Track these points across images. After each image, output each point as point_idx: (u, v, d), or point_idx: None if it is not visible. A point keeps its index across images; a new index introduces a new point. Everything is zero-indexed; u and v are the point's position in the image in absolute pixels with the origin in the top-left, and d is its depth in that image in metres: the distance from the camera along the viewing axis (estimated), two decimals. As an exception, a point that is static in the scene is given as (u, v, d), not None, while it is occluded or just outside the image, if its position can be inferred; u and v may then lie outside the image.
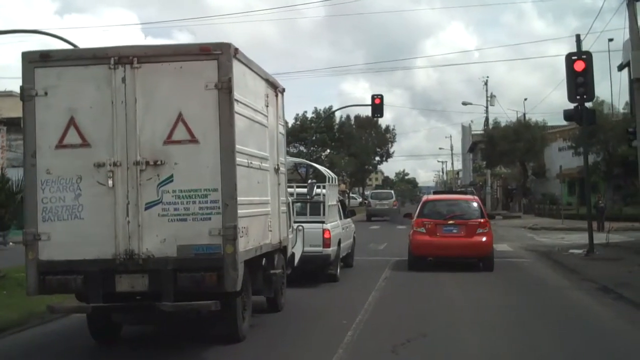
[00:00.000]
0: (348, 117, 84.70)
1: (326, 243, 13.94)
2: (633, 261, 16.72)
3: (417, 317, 10.36)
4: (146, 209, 7.77)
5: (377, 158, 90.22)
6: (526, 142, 47.63)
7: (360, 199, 75.18)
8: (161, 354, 8.64)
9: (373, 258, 19.58)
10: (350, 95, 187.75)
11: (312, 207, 14.54)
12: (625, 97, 35.56)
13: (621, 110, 37.61)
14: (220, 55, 7.82)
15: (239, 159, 7.98)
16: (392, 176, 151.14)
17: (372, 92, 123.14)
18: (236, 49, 8.04)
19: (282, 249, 10.51)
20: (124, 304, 8.12)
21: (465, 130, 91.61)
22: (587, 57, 18.09)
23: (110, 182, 7.80)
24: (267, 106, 9.56)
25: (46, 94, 7.92)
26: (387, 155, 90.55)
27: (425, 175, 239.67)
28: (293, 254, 11.88)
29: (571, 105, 18.42)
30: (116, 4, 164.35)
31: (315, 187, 14.18)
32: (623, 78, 30.25)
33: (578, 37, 19.44)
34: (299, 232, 12.58)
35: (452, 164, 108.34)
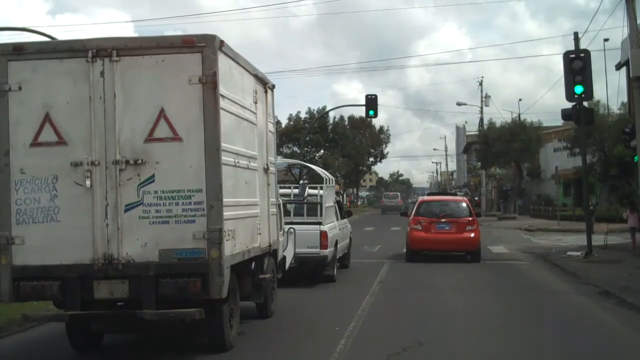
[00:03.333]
0: (342, 117, 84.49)
1: (323, 244, 13.82)
2: (632, 264, 16.43)
3: (413, 324, 9.98)
4: (126, 210, 7.36)
5: (371, 159, 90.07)
6: (521, 143, 47.39)
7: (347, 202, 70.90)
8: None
9: (367, 260, 19.22)
10: (344, 96, 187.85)
11: (309, 208, 14.39)
12: (621, 98, 35.38)
13: (617, 111, 37.40)
14: (204, 47, 7.37)
15: (225, 158, 7.56)
16: (386, 177, 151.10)
17: (365, 92, 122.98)
18: (222, 41, 7.57)
19: (272, 253, 10.10)
20: (102, 312, 7.69)
21: (460, 131, 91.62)
22: (585, 55, 17.76)
23: (88, 182, 7.38)
24: (256, 103, 9.11)
25: (20, 88, 7.49)
26: (381, 156, 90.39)
27: (419, 176, 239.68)
28: (284, 258, 11.47)
29: (568, 105, 18.12)
30: (108, 4, 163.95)
31: (307, 188, 13.90)
32: (619, 78, 30.02)
33: (576, 35, 19.15)
34: (290, 235, 12.19)
35: (447, 164, 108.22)
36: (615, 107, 38.25)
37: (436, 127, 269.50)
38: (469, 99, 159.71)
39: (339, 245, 15.16)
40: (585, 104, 18.40)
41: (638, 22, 18.23)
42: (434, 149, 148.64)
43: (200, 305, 7.36)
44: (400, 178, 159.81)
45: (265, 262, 9.73)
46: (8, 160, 7.46)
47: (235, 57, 8.19)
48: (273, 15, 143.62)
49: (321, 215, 14.18)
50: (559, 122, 41.51)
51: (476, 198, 60.39)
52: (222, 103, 7.52)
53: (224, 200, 7.41)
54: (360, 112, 52.45)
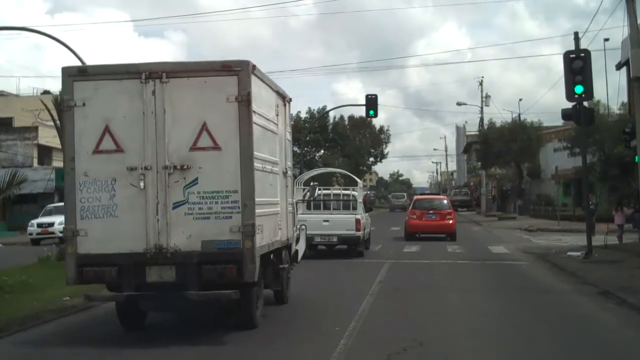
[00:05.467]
0: (342, 117, 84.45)
1: (357, 228, 19.54)
2: (633, 264, 16.39)
3: (413, 324, 9.95)
4: (174, 208, 8.64)
5: (371, 159, 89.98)
6: (521, 143, 47.32)
7: None
8: (183, 339, 9.04)
9: (368, 260, 19.21)
10: (344, 96, 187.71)
11: (347, 203, 20.43)
12: (622, 98, 35.32)
13: (617, 111, 37.34)
14: (240, 71, 8.68)
15: (256, 164, 8.83)
16: (386, 177, 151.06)
17: (365, 92, 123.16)
18: (254, 66, 8.86)
19: (287, 246, 11.36)
20: (153, 293, 8.80)
21: (460, 131, 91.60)
22: (585, 55, 17.72)
23: (141, 184, 8.66)
24: (277, 115, 10.35)
25: (84, 104, 8.76)
26: (382, 156, 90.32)
27: (420, 176, 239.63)
28: (297, 251, 12.64)
29: (569, 105, 18.08)
30: (108, 4, 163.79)
31: (316, 189, 17.07)
32: (620, 78, 29.97)
33: (576, 34, 19.18)
34: (301, 231, 13.37)
35: (447, 165, 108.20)
36: (615, 107, 38.23)
37: (436, 127, 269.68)
38: (469, 98, 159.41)
39: (365, 230, 20.65)
40: (585, 103, 18.35)
41: (638, 22, 18.21)
42: (434, 149, 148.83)
43: (235, 288, 8.58)
44: (400, 178, 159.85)
45: (283, 254, 11.01)
46: (73, 165, 8.77)
47: (263, 78, 9.50)
48: (272, 15, 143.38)
49: (355, 208, 20.20)
50: (559, 122, 41.51)
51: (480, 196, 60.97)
52: (254, 118, 8.79)
53: (256, 199, 8.69)
54: (361, 112, 52.68)
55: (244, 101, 8.63)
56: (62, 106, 8.88)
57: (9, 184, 15.86)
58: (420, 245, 24.07)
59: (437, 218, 27.26)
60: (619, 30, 45.80)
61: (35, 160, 46.96)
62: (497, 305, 11.80)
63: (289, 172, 11.30)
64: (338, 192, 21.69)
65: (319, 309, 11.50)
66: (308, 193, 16.49)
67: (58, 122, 18.19)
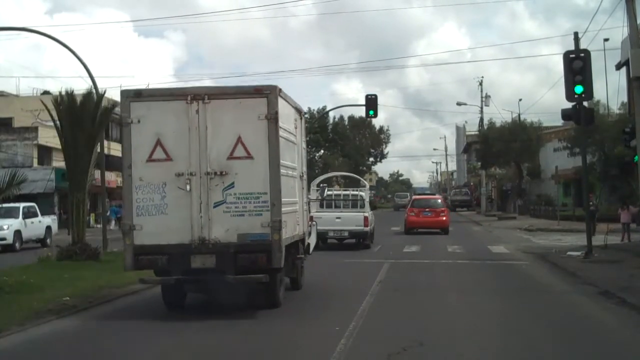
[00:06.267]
0: (342, 117, 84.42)
1: (365, 223, 22.88)
2: (633, 264, 16.39)
3: (413, 324, 9.94)
4: (214, 207, 10.27)
5: (371, 159, 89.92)
6: (521, 143, 47.28)
7: None
8: (219, 315, 10.48)
9: (367, 260, 19.21)
10: (344, 96, 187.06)
11: (355, 202, 23.56)
12: (622, 98, 35.31)
13: (617, 111, 37.34)
14: (269, 94, 10.30)
15: (281, 170, 10.42)
16: (386, 177, 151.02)
17: (365, 92, 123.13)
18: (280, 89, 10.53)
19: (302, 240, 12.89)
20: (198, 277, 10.37)
21: (460, 131, 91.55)
22: (585, 55, 17.70)
23: (187, 187, 10.28)
24: (296, 128, 12.10)
25: (139, 121, 10.37)
26: (382, 156, 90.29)
27: (420, 176, 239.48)
28: (309, 244, 14.05)
29: (568, 105, 18.07)
30: (107, 3, 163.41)
31: (325, 190, 19.45)
32: (619, 78, 29.96)
33: (576, 34, 19.11)
34: (313, 227, 14.82)
35: (447, 164, 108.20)
36: (615, 107, 38.25)
37: (436, 127, 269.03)
38: (469, 98, 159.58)
39: (371, 226, 23.92)
40: (585, 103, 18.33)
41: (638, 22, 18.20)
42: (434, 149, 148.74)
43: (264, 273, 10.21)
44: (401, 178, 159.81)
45: (299, 246, 12.64)
46: (130, 172, 10.36)
47: (286, 98, 11.17)
48: (272, 15, 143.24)
49: (363, 207, 23.31)
50: (559, 122, 41.48)
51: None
52: (280, 132, 10.38)
53: (282, 200, 10.32)
54: (360, 112, 52.80)
55: (272, 119, 10.25)
56: (121, 123, 10.49)
57: (9, 184, 15.86)
58: (420, 245, 24.11)
59: (432, 215, 31.40)
60: (618, 30, 45.73)
61: (35, 161, 46.95)
62: (497, 305, 11.80)
63: (304, 176, 13.03)
64: (348, 192, 24.87)
65: (317, 310, 11.51)
66: (318, 193, 18.64)
67: (58, 122, 18.25)
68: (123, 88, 10.60)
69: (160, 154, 10.33)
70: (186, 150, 10.29)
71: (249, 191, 10.24)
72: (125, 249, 10.45)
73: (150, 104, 10.44)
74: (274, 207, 10.20)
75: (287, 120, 11.22)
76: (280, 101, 10.52)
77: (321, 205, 21.20)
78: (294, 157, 11.82)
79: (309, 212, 14.46)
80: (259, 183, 10.22)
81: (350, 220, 22.84)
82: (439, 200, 34.29)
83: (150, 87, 11.26)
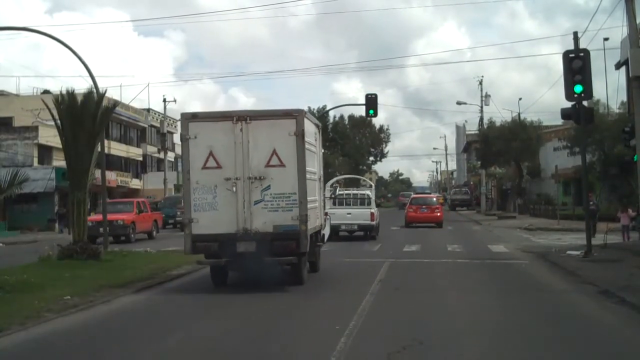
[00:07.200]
0: (342, 116, 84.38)
1: (372, 218, 27.01)
2: (632, 263, 16.40)
3: (413, 323, 9.97)
4: (254, 204, 12.86)
5: (371, 158, 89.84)
6: (521, 142, 47.26)
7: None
8: (257, 289, 12.98)
9: (368, 259, 19.23)
10: (344, 95, 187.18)
11: (363, 200, 27.49)
12: (621, 97, 35.29)
13: (616, 110, 37.32)
14: (297, 116, 12.96)
15: (307, 176, 13.06)
16: (386, 176, 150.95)
17: (365, 91, 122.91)
18: (305, 112, 13.33)
19: (319, 231, 15.27)
20: (242, 259, 12.92)
21: (460, 130, 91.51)
22: (584, 54, 17.71)
23: (234, 189, 12.87)
24: (316, 140, 14.74)
25: (195, 137, 12.95)
26: (382, 155, 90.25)
27: (420, 175, 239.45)
28: (324, 235, 16.37)
29: (568, 104, 18.09)
30: (106, 3, 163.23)
31: (337, 189, 23.62)
32: (619, 77, 29.99)
33: (575, 34, 19.14)
34: (327, 220, 17.17)
35: (447, 164, 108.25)
36: (615, 106, 38.22)
37: (436, 126, 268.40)
38: (469, 98, 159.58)
39: (377, 221, 27.78)
40: (585, 103, 18.36)
41: (637, 22, 18.23)
42: (434, 148, 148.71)
43: (293, 256, 12.96)
44: (401, 177, 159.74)
45: (318, 236, 15.15)
46: (189, 177, 12.99)
47: (310, 118, 14.07)
48: (272, 15, 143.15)
49: (369, 204, 27.55)
50: (559, 121, 41.53)
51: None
52: (305, 145, 12.94)
53: (307, 199, 12.96)
54: (360, 111, 52.79)
55: (300, 135, 12.81)
56: (182, 139, 13.10)
57: (10, 184, 15.90)
58: (420, 245, 24.13)
59: (428, 211, 36.52)
60: (618, 29, 45.72)
61: (36, 160, 46.97)
62: (497, 304, 11.83)
63: (322, 178, 15.67)
64: (357, 192, 29.03)
65: (317, 310, 11.59)
66: (331, 192, 21.36)
67: (59, 121, 18.26)
68: (184, 112, 13.51)
69: (212, 163, 12.89)
70: (232, 160, 12.83)
71: (281, 192, 12.79)
72: (185, 238, 13.06)
73: (204, 123, 13.01)
74: (301, 204, 12.77)
75: (310, 135, 13.69)
76: (306, 121, 13.12)
77: (334, 203, 24.41)
78: (314, 163, 14.34)
79: (325, 207, 16.94)
80: (290, 185, 12.78)
81: (359, 215, 26.91)
82: (434, 199, 40.21)
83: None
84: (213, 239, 12.81)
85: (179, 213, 37.60)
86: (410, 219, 36.74)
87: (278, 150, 12.79)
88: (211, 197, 12.82)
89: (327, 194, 20.30)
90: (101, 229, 23.42)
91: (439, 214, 36.67)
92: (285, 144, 12.78)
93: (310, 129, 13.93)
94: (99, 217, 26.68)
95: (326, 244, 17.76)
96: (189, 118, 13.07)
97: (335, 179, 29.20)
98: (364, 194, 28.21)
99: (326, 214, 17.37)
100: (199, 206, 12.84)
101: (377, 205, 32.20)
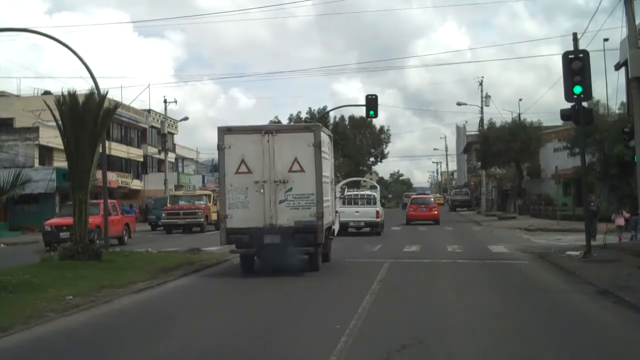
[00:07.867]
0: (342, 117, 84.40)
1: (377, 216, 30.75)
2: (631, 263, 16.45)
3: (413, 322, 10.03)
4: (279, 203, 15.26)
5: (372, 159, 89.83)
6: (521, 143, 47.27)
7: None
8: (279, 274, 15.19)
9: (368, 260, 19.29)
10: (344, 96, 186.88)
11: (370, 200, 31.47)
12: (621, 97, 35.34)
13: (616, 111, 37.35)
14: (315, 129, 15.57)
15: (323, 179, 15.44)
16: (386, 177, 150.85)
17: (365, 92, 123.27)
18: (321, 126, 16.13)
19: (331, 226, 17.29)
20: (269, 249, 15.46)
21: (460, 130, 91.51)
22: (584, 55, 17.75)
23: (262, 190, 15.28)
24: (329, 149, 17.15)
25: (230, 147, 15.40)
26: (382, 156, 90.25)
27: (420, 175, 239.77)
28: (334, 229, 18.55)
29: (567, 105, 18.12)
30: (106, 3, 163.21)
31: (346, 189, 28.51)
32: (619, 78, 30.00)
33: (575, 35, 19.19)
34: (337, 217, 19.49)
35: (447, 164, 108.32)
36: (615, 107, 38.25)
37: (436, 127, 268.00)
38: (469, 98, 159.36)
39: (381, 218, 31.63)
40: (584, 104, 18.40)
41: (637, 23, 18.27)
42: (434, 149, 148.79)
43: (311, 246, 15.44)
44: (401, 178, 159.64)
45: (330, 230, 17.27)
46: (224, 180, 15.45)
47: (324, 131, 16.54)
48: (272, 16, 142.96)
49: (375, 203, 31.40)
50: (559, 121, 41.13)
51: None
52: (322, 155, 15.41)
53: (323, 199, 15.37)
54: (361, 112, 52.90)
55: (317, 146, 15.25)
56: (219, 148, 15.46)
57: (13, 184, 15.95)
58: (420, 245, 24.18)
59: (426, 210, 40.90)
60: (618, 30, 45.77)
61: (37, 161, 47.04)
62: (497, 303, 11.88)
63: (333, 181, 18.25)
64: (364, 192, 33.75)
65: (317, 310, 11.61)
66: (340, 193, 23.65)
67: (60, 122, 18.31)
68: (220, 125, 16.05)
69: (244, 169, 15.27)
70: (260, 166, 15.20)
71: (302, 193, 15.15)
72: (221, 231, 15.56)
73: (237, 135, 15.47)
74: (318, 204, 15.16)
75: (324, 145, 16.00)
76: (322, 134, 15.61)
77: (343, 202, 27.80)
78: (328, 169, 16.68)
79: (335, 206, 19.03)
80: (309, 187, 15.15)
81: (365, 213, 30.67)
82: (432, 199, 45.26)
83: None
84: (244, 232, 15.15)
85: (163, 215, 37.44)
86: (410, 217, 40.61)
87: (299, 158, 15.16)
88: (243, 197, 15.21)
89: (338, 195, 21.97)
90: (61, 234, 24.44)
91: (435, 212, 40.74)
92: (304, 153, 15.14)
93: (325, 139, 16.29)
94: (59, 220, 27.04)
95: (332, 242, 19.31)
96: (225, 131, 15.46)
97: (342, 182, 30.66)
98: (370, 195, 32.34)
99: (336, 212, 19.15)
100: (233, 205, 15.23)
101: (382, 205, 35.27)
